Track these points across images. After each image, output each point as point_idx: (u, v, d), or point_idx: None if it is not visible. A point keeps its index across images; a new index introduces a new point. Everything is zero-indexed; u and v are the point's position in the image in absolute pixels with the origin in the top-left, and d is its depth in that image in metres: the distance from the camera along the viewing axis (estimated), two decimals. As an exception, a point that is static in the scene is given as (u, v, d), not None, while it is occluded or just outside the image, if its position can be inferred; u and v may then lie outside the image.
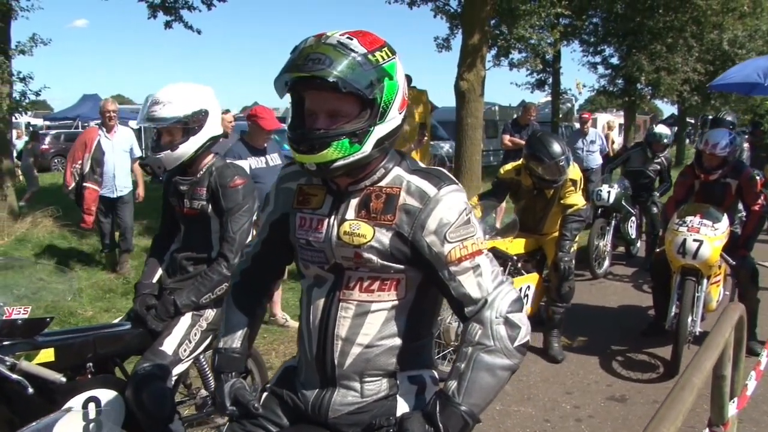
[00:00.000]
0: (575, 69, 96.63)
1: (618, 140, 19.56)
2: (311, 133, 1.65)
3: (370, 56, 1.63)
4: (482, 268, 1.73)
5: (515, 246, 5.13)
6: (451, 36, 13.94)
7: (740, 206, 5.53)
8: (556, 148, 4.86)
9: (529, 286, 5.16)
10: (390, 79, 1.66)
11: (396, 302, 1.79)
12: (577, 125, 26.83)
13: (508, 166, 5.41)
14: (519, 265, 5.23)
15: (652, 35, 19.59)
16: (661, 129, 8.13)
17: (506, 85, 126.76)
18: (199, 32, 12.12)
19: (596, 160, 10.23)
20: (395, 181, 1.76)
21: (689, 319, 4.72)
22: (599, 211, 7.85)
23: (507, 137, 9.49)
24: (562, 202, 5.11)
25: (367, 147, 1.66)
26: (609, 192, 7.71)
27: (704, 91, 23.46)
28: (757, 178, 9.34)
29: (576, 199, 5.09)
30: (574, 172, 5.09)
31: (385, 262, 1.74)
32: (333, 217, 1.79)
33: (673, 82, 19.83)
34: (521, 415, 4.24)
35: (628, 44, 20.03)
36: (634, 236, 8.46)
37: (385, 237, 1.73)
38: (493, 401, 1.78)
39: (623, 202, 7.87)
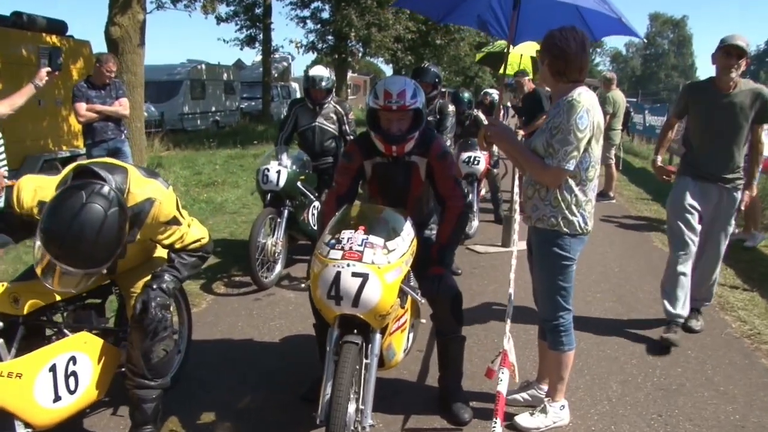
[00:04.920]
0: (284, 24, 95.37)
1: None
2: None
3: None
4: None
5: (43, 294, 2.77)
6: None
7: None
8: None
9: (74, 358, 2.80)
10: None
11: None
12: (294, 85, 24.83)
13: (29, 186, 2.75)
14: (71, 316, 2.96)
15: (363, -13, 18.26)
16: (317, 71, 6.02)
17: (214, 42, 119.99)
18: None
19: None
20: None
21: (351, 409, 2.73)
22: (268, 198, 5.72)
23: (83, 106, 6.62)
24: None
25: None
26: (278, 172, 5.60)
27: (418, 51, 22.91)
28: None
29: (192, 233, 3.02)
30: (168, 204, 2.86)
31: None
32: None
33: (384, 39, 18.71)
34: None
35: (338, -3, 18.54)
36: (317, 226, 6.30)
37: None
38: None
39: (299, 185, 5.82)
